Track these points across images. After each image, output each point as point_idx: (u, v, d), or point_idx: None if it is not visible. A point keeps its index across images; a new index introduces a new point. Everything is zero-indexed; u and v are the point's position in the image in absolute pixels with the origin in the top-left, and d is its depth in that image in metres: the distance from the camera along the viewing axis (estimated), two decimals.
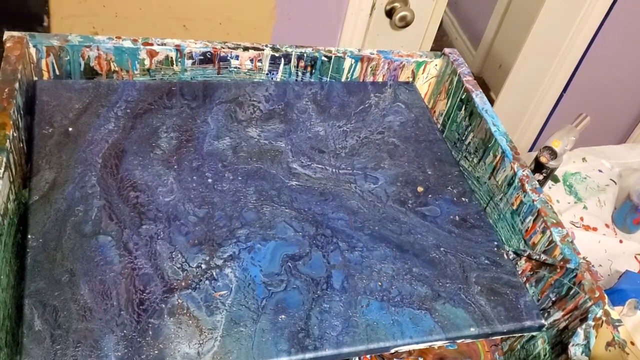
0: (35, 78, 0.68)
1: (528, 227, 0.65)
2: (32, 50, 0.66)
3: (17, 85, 0.59)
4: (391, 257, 0.60)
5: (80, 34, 0.68)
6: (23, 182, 0.59)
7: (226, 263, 0.55)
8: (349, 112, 0.75)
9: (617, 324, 0.55)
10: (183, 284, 0.53)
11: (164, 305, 0.51)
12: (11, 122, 0.56)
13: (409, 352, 0.65)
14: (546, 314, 0.61)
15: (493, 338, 0.64)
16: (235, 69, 0.75)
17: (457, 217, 0.66)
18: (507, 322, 0.57)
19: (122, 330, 0.48)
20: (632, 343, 0.56)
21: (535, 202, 0.64)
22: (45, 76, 0.68)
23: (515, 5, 2.47)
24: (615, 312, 0.56)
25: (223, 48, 0.72)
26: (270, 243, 0.58)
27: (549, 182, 1.29)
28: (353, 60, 0.78)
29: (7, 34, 0.64)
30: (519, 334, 0.63)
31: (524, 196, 0.65)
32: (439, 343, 0.55)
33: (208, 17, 1.15)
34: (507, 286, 0.60)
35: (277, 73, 0.77)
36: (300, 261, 0.57)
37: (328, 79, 0.79)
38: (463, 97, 0.77)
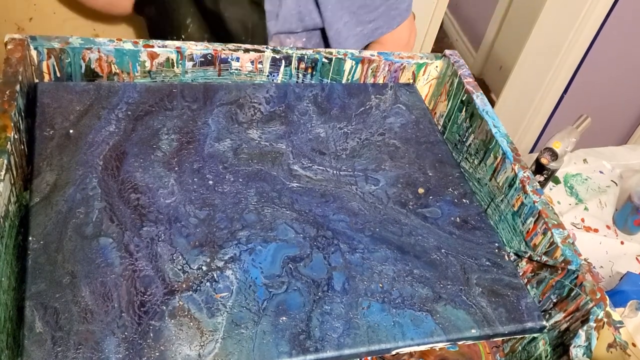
0: (36, 80, 0.68)
1: (529, 229, 0.65)
2: (33, 53, 0.66)
3: (18, 87, 0.59)
4: (392, 258, 0.60)
5: (81, 36, 0.68)
6: (24, 184, 0.59)
7: (227, 265, 0.55)
8: (350, 113, 0.75)
9: (618, 325, 0.55)
10: (184, 285, 0.53)
11: (164, 307, 0.51)
12: (12, 125, 0.56)
13: (410, 354, 0.65)
14: (547, 316, 0.61)
15: (494, 340, 0.64)
16: (236, 71, 0.75)
17: (458, 218, 0.66)
18: (509, 323, 0.57)
19: (123, 332, 0.48)
20: (634, 344, 0.56)
21: (536, 204, 0.64)
22: (46, 78, 0.68)
23: (515, 6, 2.47)
24: (616, 314, 0.56)
25: (224, 50, 0.72)
26: (271, 245, 0.58)
27: (550, 184, 1.29)
28: (354, 62, 0.78)
29: (7, 36, 0.64)
30: (520, 336, 0.63)
31: (525, 197, 0.65)
32: (440, 344, 0.55)
33: None
34: (508, 288, 0.60)
35: (278, 75, 0.77)
36: (301, 263, 0.57)
37: (329, 81, 0.79)
38: (464, 99, 0.77)
